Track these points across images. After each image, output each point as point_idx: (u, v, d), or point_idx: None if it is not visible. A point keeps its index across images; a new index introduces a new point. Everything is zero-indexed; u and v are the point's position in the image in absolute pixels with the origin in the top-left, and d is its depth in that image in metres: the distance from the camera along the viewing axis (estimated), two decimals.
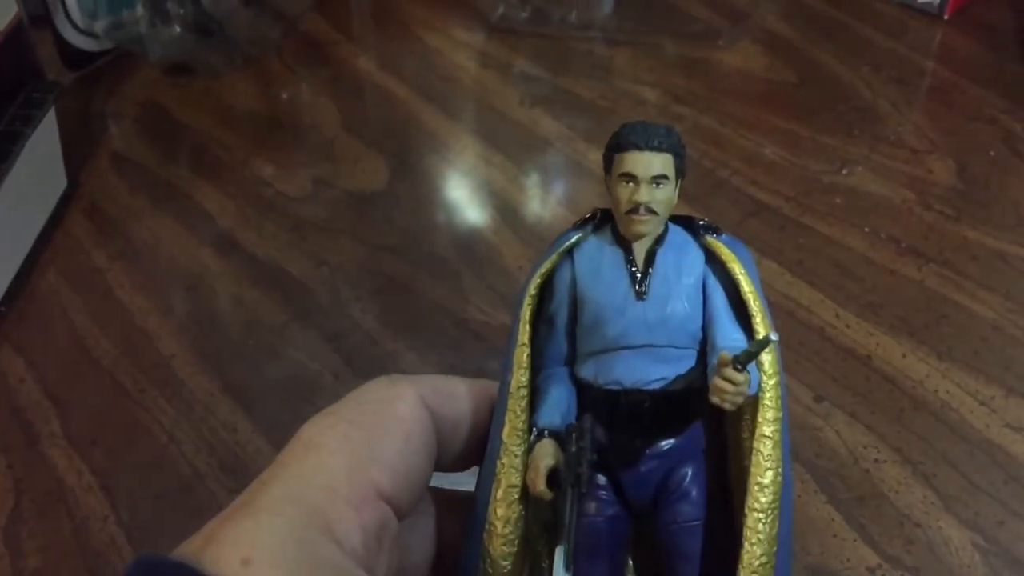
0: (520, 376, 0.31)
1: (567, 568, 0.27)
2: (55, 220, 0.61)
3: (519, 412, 0.30)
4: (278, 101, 0.72)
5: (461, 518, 0.31)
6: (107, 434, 0.49)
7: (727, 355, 0.28)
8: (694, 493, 0.30)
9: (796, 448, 0.47)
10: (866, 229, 0.59)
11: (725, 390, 0.28)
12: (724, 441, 0.32)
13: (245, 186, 0.64)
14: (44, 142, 0.59)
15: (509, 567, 0.30)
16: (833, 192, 0.61)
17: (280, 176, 0.65)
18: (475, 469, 0.32)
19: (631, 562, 0.33)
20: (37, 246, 0.58)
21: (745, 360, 0.27)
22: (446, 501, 0.33)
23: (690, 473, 0.30)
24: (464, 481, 0.32)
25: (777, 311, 0.54)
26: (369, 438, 0.28)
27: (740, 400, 0.28)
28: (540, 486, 0.29)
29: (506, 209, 0.61)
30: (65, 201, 0.62)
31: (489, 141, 0.67)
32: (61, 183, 0.62)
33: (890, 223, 0.59)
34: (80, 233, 0.60)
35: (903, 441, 0.47)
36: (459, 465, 0.32)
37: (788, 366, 0.50)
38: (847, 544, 0.43)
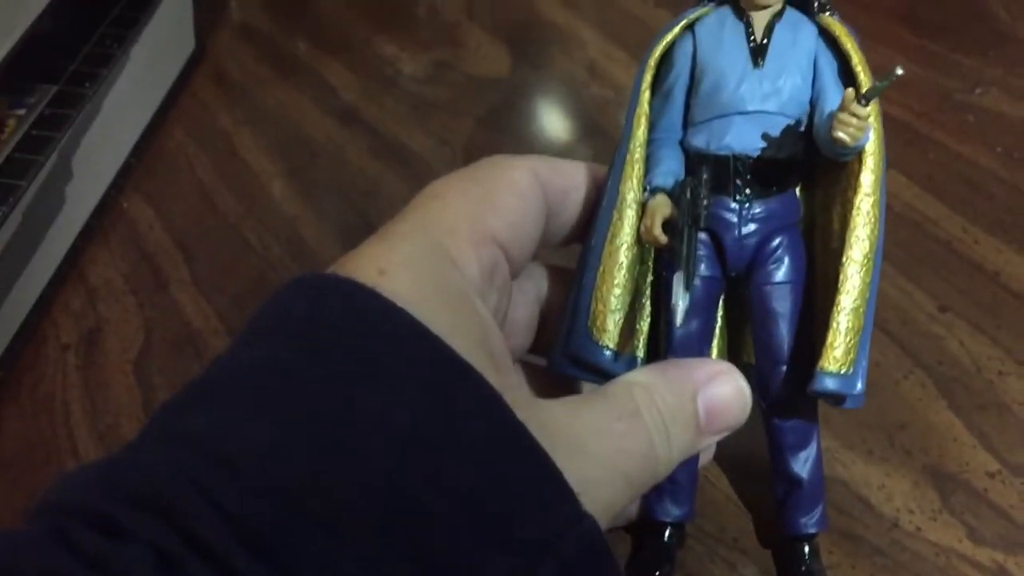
0: (639, 133, 0.34)
1: (687, 288, 0.30)
2: (183, 82, 0.61)
3: (636, 168, 0.33)
4: None
5: (565, 288, 0.35)
6: (233, 283, 0.50)
7: (852, 91, 0.30)
8: (787, 258, 0.34)
9: (917, 354, 0.46)
10: (998, 149, 0.57)
11: (848, 123, 0.30)
12: (813, 225, 0.35)
13: (367, 64, 0.64)
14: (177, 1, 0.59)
15: (619, 306, 0.33)
16: (965, 110, 0.60)
17: (402, 57, 0.65)
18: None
19: (720, 321, 0.37)
20: (165, 104, 0.59)
21: (870, 95, 0.30)
22: (553, 272, 0.37)
23: (785, 241, 0.34)
24: None
25: (903, 222, 0.53)
26: (487, 192, 0.31)
27: (861, 136, 0.31)
28: (656, 231, 0.32)
29: (626, 103, 0.61)
30: (193, 65, 0.63)
31: (611, 37, 0.66)
32: (190, 46, 0.62)
33: None
34: (206, 96, 0.61)
35: None
36: (566, 238, 0.36)
37: (912, 275, 0.50)
38: (966, 449, 0.43)
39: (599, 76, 0.63)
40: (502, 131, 0.59)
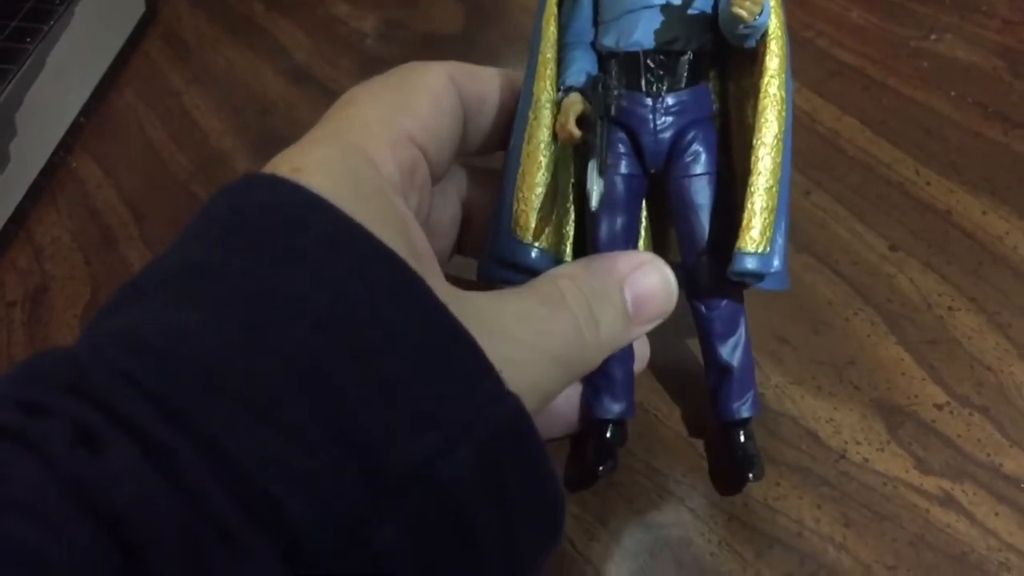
0: (549, 34, 0.34)
1: (600, 174, 0.31)
2: (133, 42, 0.61)
3: (549, 68, 0.34)
4: None
5: (487, 187, 0.36)
6: None
7: None
8: (703, 151, 0.34)
9: (867, 292, 0.46)
10: (952, 93, 0.57)
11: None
12: (730, 120, 0.36)
13: (320, 23, 0.63)
14: None
15: (540, 204, 0.34)
16: (920, 56, 0.60)
17: (355, 15, 0.64)
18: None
19: (645, 219, 0.37)
20: (115, 65, 0.59)
21: None
22: (474, 172, 0.37)
23: (700, 134, 0.34)
24: None
25: (856, 166, 0.53)
26: (402, 95, 0.31)
27: (757, 10, 0.31)
28: (570, 126, 0.32)
29: None
30: (143, 26, 0.62)
31: None
32: (140, 7, 0.62)
33: (978, 89, 0.57)
34: (157, 56, 0.61)
35: (979, 292, 0.46)
36: (486, 145, 0.36)
37: (864, 217, 0.50)
38: (915, 382, 0.43)
39: None
40: None
